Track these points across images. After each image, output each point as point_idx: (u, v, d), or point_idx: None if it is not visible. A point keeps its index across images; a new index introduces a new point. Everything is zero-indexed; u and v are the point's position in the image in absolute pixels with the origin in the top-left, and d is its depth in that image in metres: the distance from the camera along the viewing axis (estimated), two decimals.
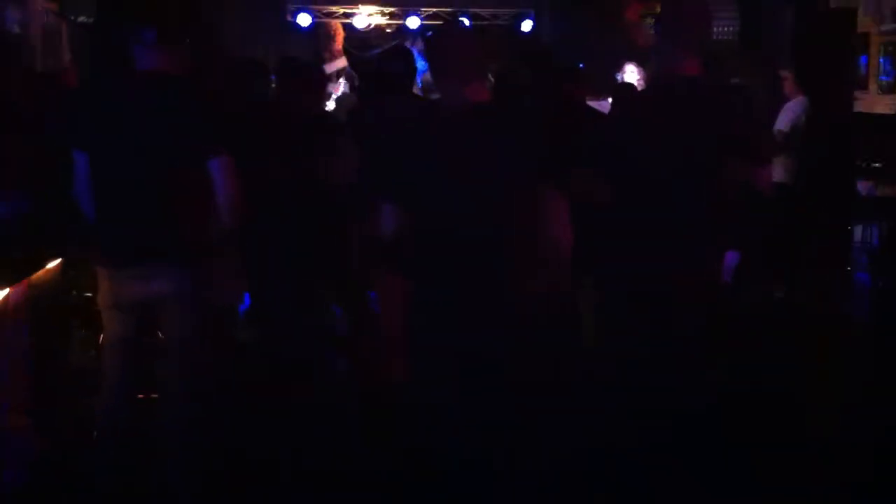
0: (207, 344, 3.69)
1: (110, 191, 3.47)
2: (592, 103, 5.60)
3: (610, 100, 6.75)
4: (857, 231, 6.33)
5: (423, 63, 12.15)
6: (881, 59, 7.87)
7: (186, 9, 3.78)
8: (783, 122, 6.26)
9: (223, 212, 3.46)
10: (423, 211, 3.10)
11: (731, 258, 3.51)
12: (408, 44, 12.52)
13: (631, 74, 7.08)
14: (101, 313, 3.61)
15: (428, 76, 9.32)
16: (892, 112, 6.88)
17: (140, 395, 3.76)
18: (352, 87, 11.30)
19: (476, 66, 3.23)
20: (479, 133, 3.12)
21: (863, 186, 6.08)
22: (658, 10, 3.97)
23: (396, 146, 3.27)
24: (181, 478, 3.57)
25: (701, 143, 3.26)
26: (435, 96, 7.70)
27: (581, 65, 6.33)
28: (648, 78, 6.58)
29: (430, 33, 3.93)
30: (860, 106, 7.11)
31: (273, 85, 5.41)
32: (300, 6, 11.86)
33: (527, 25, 12.31)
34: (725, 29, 9.00)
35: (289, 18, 11.88)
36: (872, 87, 7.93)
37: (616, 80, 8.13)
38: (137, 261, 3.46)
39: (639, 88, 6.33)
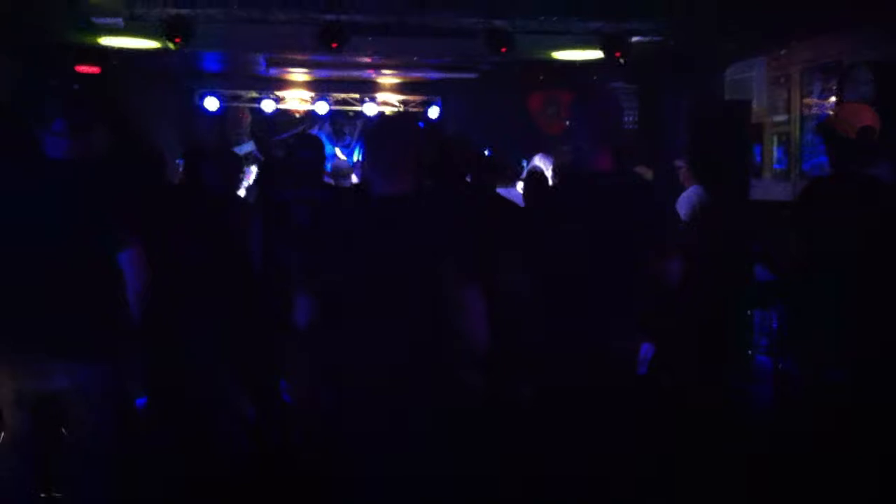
0: (115, 442, 3.59)
1: (13, 281, 3.38)
2: (501, 191, 5.69)
3: (518, 187, 6.87)
4: (757, 315, 6.51)
5: (331, 148, 12.27)
6: (774, 148, 8.22)
7: (97, 98, 3.75)
8: (681, 212, 6.42)
9: (132, 305, 3.41)
10: (341, 302, 3.11)
11: (645, 350, 3.59)
12: (315, 129, 12.63)
13: (540, 163, 7.22)
14: (1, 410, 3.49)
15: (338, 162, 9.40)
16: (786, 198, 7.15)
17: (42, 494, 3.63)
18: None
19: (409, 159, 3.26)
20: (401, 223, 3.15)
21: (761, 271, 6.27)
22: (560, 98, 4.10)
23: (312, 236, 3.28)
24: None
25: (613, 239, 3.35)
26: (345, 183, 7.76)
27: (488, 151, 6.43)
28: (557, 167, 6.72)
29: (372, 122, 3.98)
30: (756, 193, 7.38)
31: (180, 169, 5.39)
32: (207, 90, 11.88)
33: (434, 112, 12.53)
34: (628, 118, 9.31)
35: (196, 102, 11.88)
36: (767, 174, 8.26)
37: (521, 166, 8.30)
38: (40, 356, 3.36)
39: (547, 176, 6.45)
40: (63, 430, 3.64)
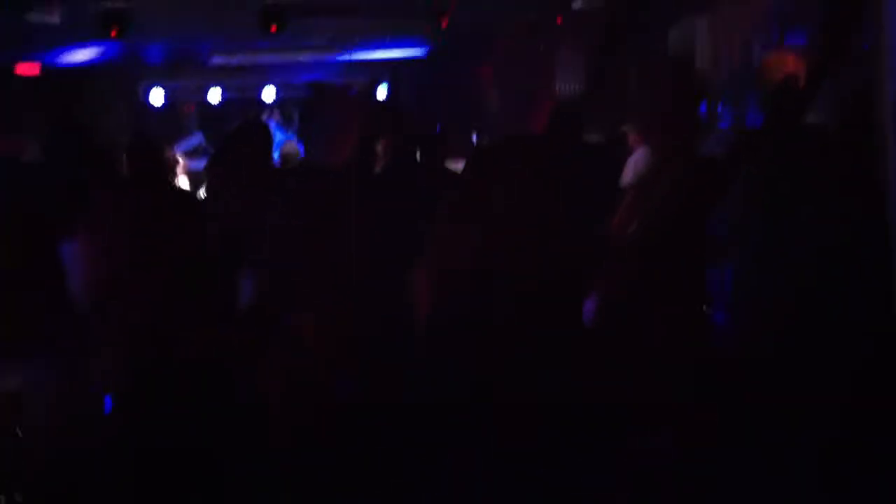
0: (71, 437, 3.58)
1: None
2: (451, 165, 5.69)
3: None
4: (714, 272, 6.53)
5: (281, 134, 12.22)
6: (720, 105, 8.25)
7: (33, 95, 3.70)
8: (628, 175, 6.44)
9: (76, 296, 3.39)
10: (281, 279, 3.10)
11: (589, 305, 3.63)
12: (265, 116, 12.53)
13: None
14: None
15: (287, 147, 9.32)
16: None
17: (2, 496, 3.59)
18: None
19: (344, 128, 3.24)
20: (335, 198, 3.14)
21: (716, 227, 6.27)
22: None
23: (252, 217, 3.27)
24: None
25: (550, 201, 3.37)
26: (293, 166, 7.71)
27: (438, 127, 6.42)
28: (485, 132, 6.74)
29: (309, 95, 3.99)
30: (705, 150, 7.38)
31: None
32: (151, 83, 11.75)
33: (382, 91, 12.48)
34: (571, 85, 9.31)
35: (141, 97, 11.75)
36: (714, 131, 8.29)
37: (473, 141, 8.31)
38: None
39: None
40: (18, 430, 3.61)
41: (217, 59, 11.22)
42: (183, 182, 7.59)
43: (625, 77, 8.61)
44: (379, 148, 5.12)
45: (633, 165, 6.55)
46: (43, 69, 9.08)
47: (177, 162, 6.01)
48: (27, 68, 8.87)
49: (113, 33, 7.38)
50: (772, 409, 4.17)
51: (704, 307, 5.90)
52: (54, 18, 7.59)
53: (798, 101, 3.97)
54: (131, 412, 4.62)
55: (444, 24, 7.85)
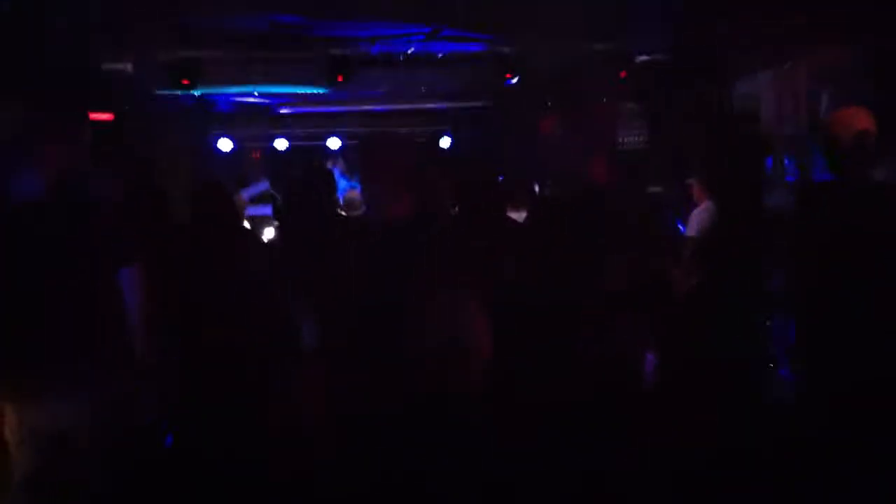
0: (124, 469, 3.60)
1: (10, 313, 3.38)
2: (513, 214, 5.70)
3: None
4: (776, 327, 6.44)
5: (345, 182, 12.37)
6: (785, 161, 8.19)
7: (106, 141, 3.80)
8: (692, 228, 6.43)
9: (134, 322, 3.42)
10: (339, 325, 3.13)
11: (650, 360, 3.60)
12: (329, 164, 12.71)
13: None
14: (11, 449, 3.50)
15: (350, 194, 9.42)
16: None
17: None
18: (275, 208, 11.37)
19: (402, 180, 3.28)
20: (394, 249, 3.17)
21: (777, 281, 6.19)
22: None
23: (312, 264, 3.31)
24: None
25: (612, 251, 3.37)
26: (355, 213, 7.79)
27: (500, 177, 6.45)
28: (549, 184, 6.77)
29: (361, 140, 4.04)
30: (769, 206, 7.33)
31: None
32: (221, 131, 11.99)
33: (445, 142, 12.58)
34: (637, 137, 9.31)
35: (210, 144, 11.99)
36: (779, 187, 8.22)
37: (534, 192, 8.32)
38: (45, 388, 3.37)
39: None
40: (70, 466, 3.63)
41: (284, 109, 11.43)
42: (246, 225, 7.72)
43: (689, 130, 8.60)
44: (441, 197, 5.16)
45: (697, 218, 6.53)
46: (116, 117, 9.32)
47: (243, 206, 6.13)
48: (101, 115, 9.11)
49: (184, 82, 7.58)
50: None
51: (769, 363, 5.82)
52: (128, 68, 7.83)
53: (870, 157, 3.94)
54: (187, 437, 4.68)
55: (508, 76, 7.92)
